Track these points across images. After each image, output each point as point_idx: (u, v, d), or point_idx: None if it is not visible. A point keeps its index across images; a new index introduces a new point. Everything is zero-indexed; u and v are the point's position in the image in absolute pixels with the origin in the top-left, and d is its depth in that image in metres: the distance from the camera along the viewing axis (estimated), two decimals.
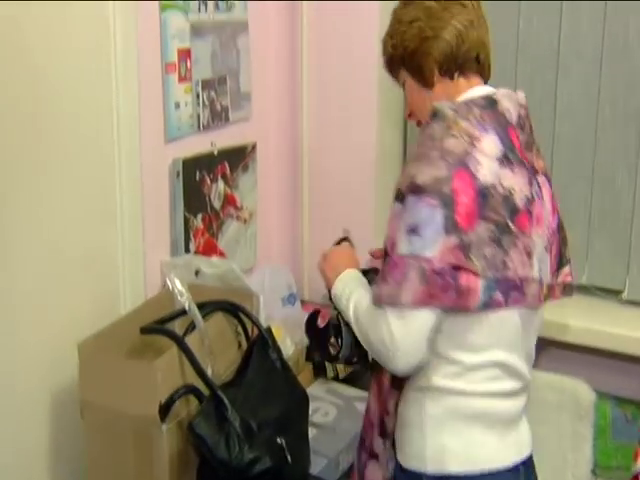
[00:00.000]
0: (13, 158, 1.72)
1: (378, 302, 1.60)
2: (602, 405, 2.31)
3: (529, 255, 1.62)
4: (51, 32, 1.78)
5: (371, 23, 2.46)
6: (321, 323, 1.82)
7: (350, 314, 1.69)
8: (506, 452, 1.65)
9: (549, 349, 2.33)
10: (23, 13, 1.70)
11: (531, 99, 2.36)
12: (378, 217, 2.58)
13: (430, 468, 1.62)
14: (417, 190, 1.54)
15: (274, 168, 2.69)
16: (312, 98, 2.60)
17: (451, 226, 1.52)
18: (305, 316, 2.49)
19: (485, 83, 1.74)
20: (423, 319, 1.56)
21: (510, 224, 1.58)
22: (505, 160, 1.60)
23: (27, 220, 1.77)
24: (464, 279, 1.54)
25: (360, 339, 1.67)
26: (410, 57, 1.72)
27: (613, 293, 2.38)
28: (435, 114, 1.63)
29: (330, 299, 1.79)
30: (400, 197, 1.59)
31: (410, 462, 1.65)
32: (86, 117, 1.90)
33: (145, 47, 2.04)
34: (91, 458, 1.79)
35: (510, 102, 1.68)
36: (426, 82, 1.72)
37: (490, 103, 1.65)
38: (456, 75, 1.70)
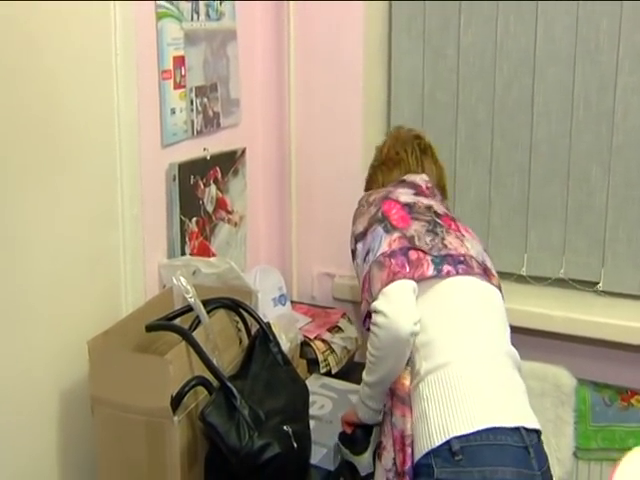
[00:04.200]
0: (21, 163, 1.74)
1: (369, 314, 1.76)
2: (582, 390, 2.38)
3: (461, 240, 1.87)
4: (58, 41, 1.81)
5: (356, 28, 2.52)
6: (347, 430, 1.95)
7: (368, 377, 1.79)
8: None
9: (532, 339, 2.38)
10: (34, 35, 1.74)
11: (509, 102, 2.49)
12: None
13: None
14: (359, 237, 1.89)
15: (263, 172, 2.73)
16: (299, 103, 2.63)
17: (390, 227, 1.83)
18: (296, 316, 2.57)
19: None
20: (398, 285, 1.72)
21: (438, 220, 1.88)
22: (419, 194, 1.97)
23: (36, 224, 1.78)
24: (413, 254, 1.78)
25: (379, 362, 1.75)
26: None
27: (590, 284, 2.44)
28: None
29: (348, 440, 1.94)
30: (352, 254, 1.94)
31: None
32: (89, 125, 1.93)
33: (143, 54, 2.06)
34: (101, 453, 1.80)
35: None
36: None
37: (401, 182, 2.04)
38: None
